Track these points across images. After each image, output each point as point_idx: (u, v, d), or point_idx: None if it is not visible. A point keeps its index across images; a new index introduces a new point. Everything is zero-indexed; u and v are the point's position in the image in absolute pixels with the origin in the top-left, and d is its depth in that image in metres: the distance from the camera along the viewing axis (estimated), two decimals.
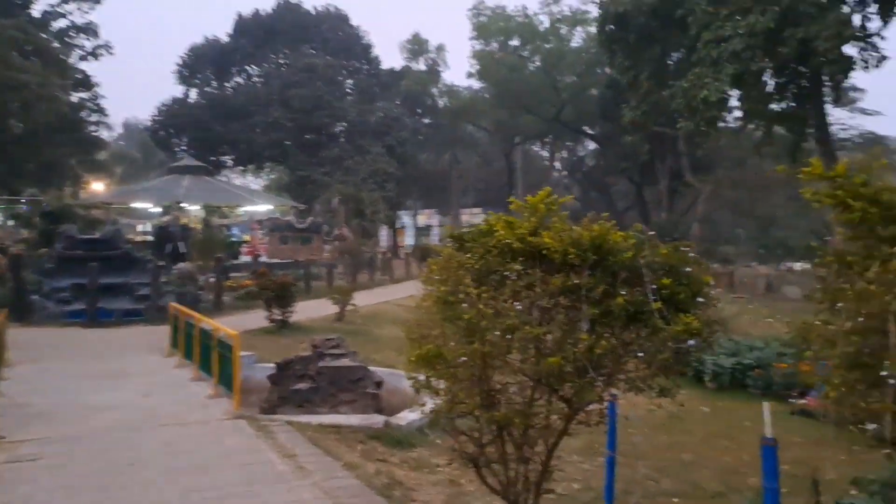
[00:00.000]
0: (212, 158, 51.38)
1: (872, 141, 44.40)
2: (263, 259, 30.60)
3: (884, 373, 2.80)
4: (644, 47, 29.74)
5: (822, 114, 27.81)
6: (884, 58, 27.97)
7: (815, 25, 22.63)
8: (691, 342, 3.53)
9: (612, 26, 30.29)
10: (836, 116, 37.52)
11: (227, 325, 10.48)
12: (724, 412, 11.17)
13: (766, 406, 3.40)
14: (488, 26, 50.23)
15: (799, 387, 12.00)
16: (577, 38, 50.63)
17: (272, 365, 10.13)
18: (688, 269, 3.78)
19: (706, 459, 8.85)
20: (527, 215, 4.24)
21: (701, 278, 3.82)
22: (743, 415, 11.09)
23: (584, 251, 3.74)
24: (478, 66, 51.32)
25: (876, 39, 27.72)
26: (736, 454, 8.92)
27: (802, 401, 11.17)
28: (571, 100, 50.73)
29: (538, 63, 51.06)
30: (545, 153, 67.67)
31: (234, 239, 34.68)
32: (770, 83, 27.50)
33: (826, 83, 27.24)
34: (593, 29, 48.70)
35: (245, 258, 31.75)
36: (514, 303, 3.83)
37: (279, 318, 16.13)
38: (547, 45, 49.95)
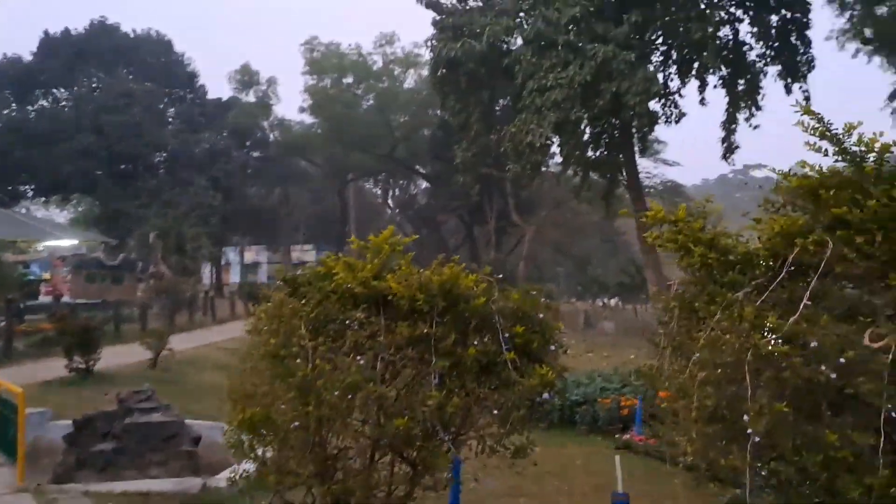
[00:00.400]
0: (9, 188, 46.21)
1: (672, 189, 49.16)
2: (66, 299, 27.63)
3: (748, 430, 2.67)
4: (474, 92, 30.73)
5: (632, 162, 30.18)
6: (683, 114, 31.12)
7: (626, 81, 24.52)
8: (546, 395, 3.29)
9: (444, 70, 31.00)
10: (643, 166, 40.94)
11: (16, 377, 9.03)
12: (555, 451, 11.31)
13: (618, 459, 3.20)
14: (322, 62, 49.85)
15: (621, 422, 12.51)
16: (410, 80, 51.66)
17: (70, 423, 8.83)
18: (540, 314, 3.56)
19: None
20: (369, 257, 3.85)
21: (552, 324, 3.62)
22: (574, 452, 11.30)
23: (433, 297, 3.41)
24: (310, 101, 50.65)
25: (676, 97, 30.91)
26: (570, 498, 8.96)
27: (626, 436, 11.59)
28: (404, 139, 51.46)
29: (372, 101, 51.35)
30: (378, 191, 68.02)
31: (31, 277, 31.05)
32: (587, 132, 29.46)
33: (635, 134, 29.67)
34: (425, 72, 50.09)
35: (45, 298, 28.54)
36: (357, 356, 3.39)
37: (81, 366, 14.35)
38: (381, 85, 50.44)
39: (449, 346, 3.30)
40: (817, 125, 3.24)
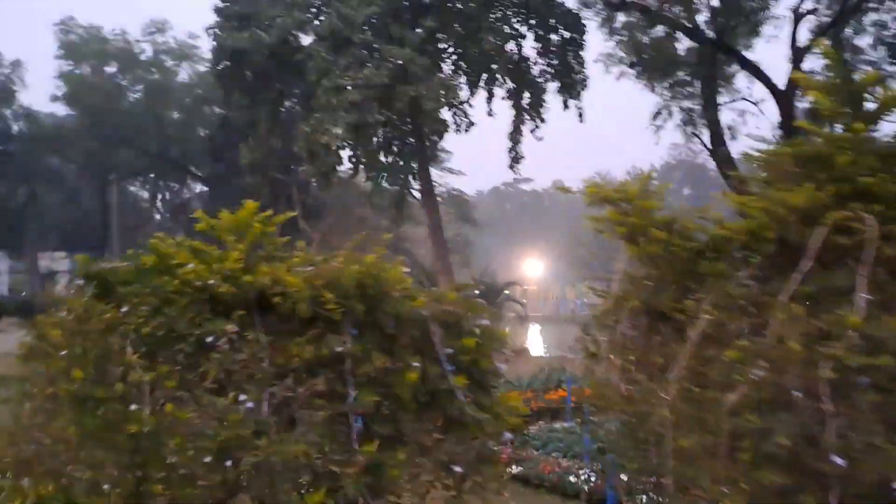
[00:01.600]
0: None
1: (456, 198, 50.55)
2: None
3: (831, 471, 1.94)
4: (262, 87, 28.84)
5: (426, 168, 30.19)
6: (472, 123, 31.81)
7: (424, 86, 24.35)
8: (509, 436, 2.35)
9: (227, 62, 28.73)
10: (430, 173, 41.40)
11: None
12: None
13: None
14: (80, 47, 44.13)
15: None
16: (185, 73, 47.68)
17: None
18: (484, 320, 2.61)
19: None
20: (231, 241, 2.63)
21: (498, 333, 2.69)
22: None
23: (348, 298, 2.31)
24: (65, 90, 44.57)
25: (466, 107, 31.51)
26: None
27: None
28: (178, 137, 47.27)
29: (139, 94, 46.58)
30: (146, 193, 61.99)
31: None
32: (380, 136, 28.95)
33: (429, 141, 29.76)
34: (202, 67, 46.50)
35: None
36: (235, 394, 2.18)
37: None
38: (150, 76, 45.90)
39: (373, 372, 2.22)
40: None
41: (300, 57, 26.44)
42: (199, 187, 57.04)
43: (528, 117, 29.79)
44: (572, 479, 8.67)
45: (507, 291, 39.40)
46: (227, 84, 29.89)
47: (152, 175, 55.52)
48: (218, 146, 43.08)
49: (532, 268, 75.73)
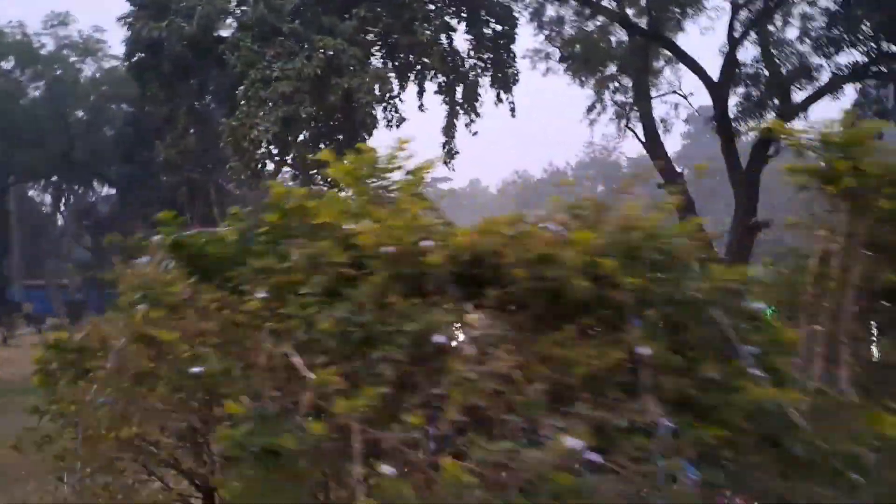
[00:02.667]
0: None
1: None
2: None
3: None
4: (181, 80, 27.11)
5: None
6: (403, 118, 30.98)
7: (357, 78, 23.43)
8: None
9: (142, 54, 26.87)
10: None
11: None
12: None
13: None
14: None
15: None
16: (90, 70, 44.79)
17: None
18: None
19: None
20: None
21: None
22: None
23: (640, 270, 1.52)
24: None
25: (397, 101, 30.65)
26: None
27: None
28: (84, 137, 44.31)
29: (41, 92, 43.39)
30: (49, 197, 58.03)
31: None
32: (309, 132, 27.72)
33: (361, 135, 28.73)
34: (107, 64, 43.90)
35: None
36: None
37: None
38: (53, 73, 42.79)
39: (685, 386, 1.42)
40: None
41: (223, 48, 24.93)
42: (106, 190, 53.94)
43: (462, 111, 29.25)
44: None
45: None
46: (142, 78, 27.96)
47: (55, 178, 51.92)
48: (128, 146, 40.57)
49: None
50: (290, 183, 35.14)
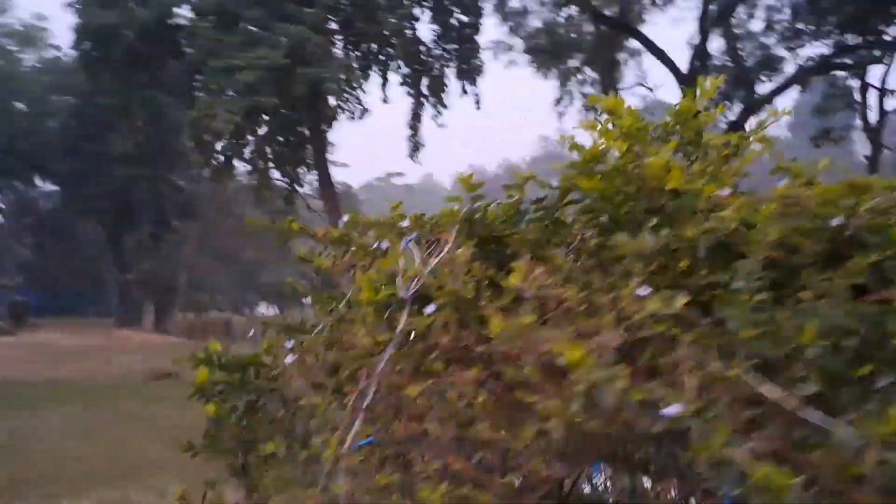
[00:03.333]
0: None
1: (345, 191, 48.70)
2: None
3: None
4: (134, 69, 25.81)
5: (323, 159, 28.37)
6: (366, 110, 30.27)
7: (324, 68, 22.67)
8: None
9: (92, 43, 25.47)
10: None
11: None
12: None
13: None
14: None
15: None
16: (33, 59, 42.63)
17: None
18: None
19: None
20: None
21: None
22: None
23: None
24: None
25: (359, 93, 29.91)
26: None
27: None
28: (25, 131, 42.08)
29: None
30: None
31: None
32: (272, 124, 26.78)
33: (325, 128, 27.94)
34: (48, 54, 41.89)
35: None
36: None
37: None
38: None
39: None
40: None
41: (181, 35, 23.83)
42: (48, 186, 51.56)
43: (428, 103, 28.69)
44: None
45: None
46: (92, 67, 26.54)
47: None
48: (72, 139, 38.69)
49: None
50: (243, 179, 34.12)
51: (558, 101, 28.67)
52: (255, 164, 29.34)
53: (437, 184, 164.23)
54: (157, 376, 19.58)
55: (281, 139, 27.43)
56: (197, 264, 46.51)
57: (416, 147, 29.74)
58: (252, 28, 22.78)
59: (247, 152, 28.53)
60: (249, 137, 27.46)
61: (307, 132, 28.87)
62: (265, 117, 23.25)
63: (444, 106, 28.34)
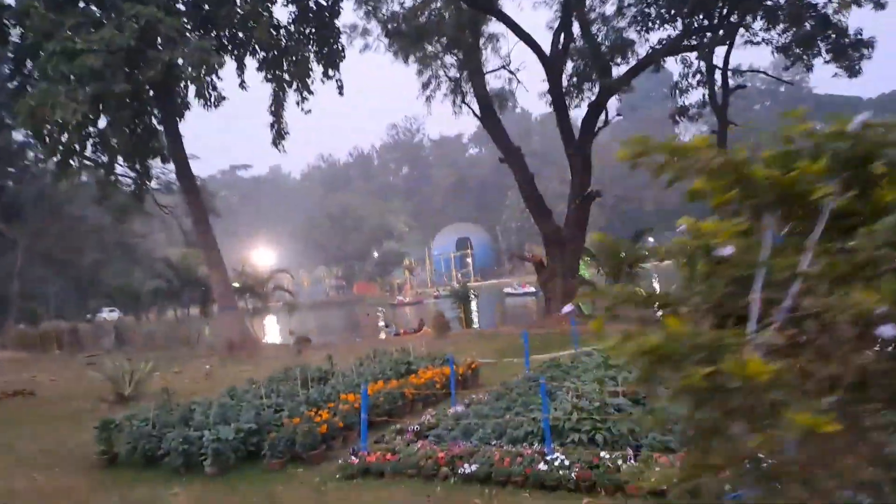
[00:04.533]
0: None
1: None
2: None
3: None
4: None
5: (181, 150, 26.49)
6: (223, 97, 28.54)
7: (179, 51, 21.08)
8: None
9: None
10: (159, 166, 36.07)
11: None
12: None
13: None
14: None
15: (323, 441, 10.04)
16: None
17: None
18: None
19: None
20: None
21: None
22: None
23: None
24: None
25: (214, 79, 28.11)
26: None
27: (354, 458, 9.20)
28: None
29: None
30: None
31: None
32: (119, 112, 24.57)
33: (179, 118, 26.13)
34: None
35: None
36: None
37: None
38: None
39: None
40: None
41: (10, 15, 21.18)
42: None
43: (291, 89, 27.57)
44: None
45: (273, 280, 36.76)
46: None
47: None
48: None
49: (263, 256, 72.70)
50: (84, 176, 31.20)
51: (426, 86, 28.56)
52: (99, 158, 26.93)
53: (284, 175, 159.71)
54: (4, 395, 17.44)
55: (130, 129, 25.29)
56: (29, 271, 42.08)
57: (280, 134, 28.56)
58: (93, 8, 20.67)
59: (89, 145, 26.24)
60: (91, 129, 25.22)
61: (159, 122, 26.91)
62: (114, 105, 21.17)
63: (310, 92, 27.33)
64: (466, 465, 7.94)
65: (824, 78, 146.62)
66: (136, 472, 10.11)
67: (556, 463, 7.42)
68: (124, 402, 15.43)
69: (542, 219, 26.25)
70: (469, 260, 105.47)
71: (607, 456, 7.31)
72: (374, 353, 17.27)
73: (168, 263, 35.40)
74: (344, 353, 17.98)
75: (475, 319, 32.21)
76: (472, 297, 32.00)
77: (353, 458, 9.15)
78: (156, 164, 32.84)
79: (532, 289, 75.92)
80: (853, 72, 22.67)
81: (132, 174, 29.27)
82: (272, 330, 43.58)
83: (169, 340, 34.10)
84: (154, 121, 27.33)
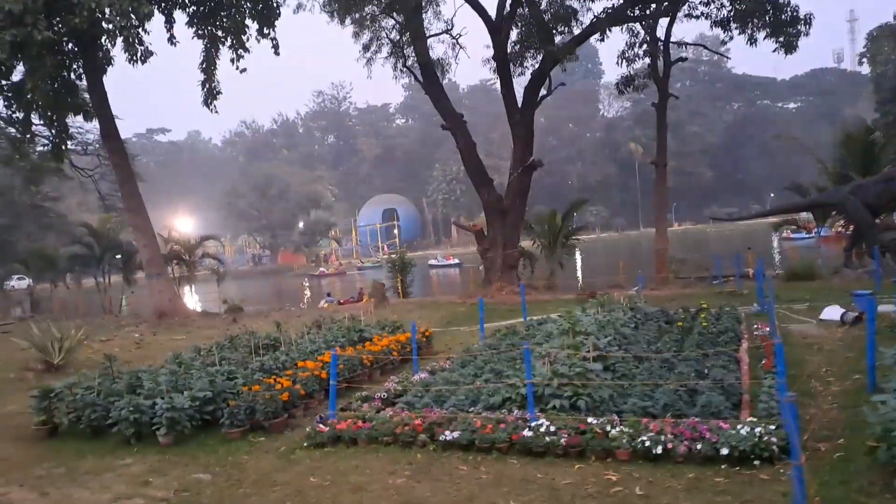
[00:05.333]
0: None
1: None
2: None
3: None
4: None
5: (106, 106, 24.89)
6: (150, 52, 26.89)
7: None
8: None
9: None
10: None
11: None
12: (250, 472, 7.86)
13: None
14: None
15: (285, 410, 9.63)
16: None
17: None
18: None
19: None
20: None
21: None
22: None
23: None
24: None
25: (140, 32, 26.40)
26: None
27: (319, 426, 8.85)
28: None
29: None
30: None
31: None
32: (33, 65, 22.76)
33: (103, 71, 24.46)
34: None
35: None
36: None
37: None
38: None
39: None
40: None
41: None
42: None
43: (225, 47, 26.17)
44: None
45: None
46: None
47: None
48: None
49: (184, 224, 70.08)
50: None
51: (366, 49, 27.73)
52: (13, 114, 25.05)
53: (205, 140, 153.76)
54: None
55: (49, 82, 23.46)
56: None
57: (211, 93, 27.15)
58: None
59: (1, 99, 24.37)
60: (4, 81, 23.38)
61: (78, 77, 25.16)
62: (35, 54, 19.53)
63: (246, 50, 25.98)
64: (448, 433, 7.75)
65: (741, 58, 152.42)
66: (80, 442, 9.54)
67: (542, 429, 7.31)
68: (53, 371, 14.56)
69: (483, 188, 26.13)
70: (395, 231, 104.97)
71: (594, 421, 7.25)
72: (319, 322, 16.93)
73: (88, 228, 33.40)
74: (284, 321, 17.43)
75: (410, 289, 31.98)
76: (411, 266, 31.72)
77: (320, 425, 8.81)
78: (72, 123, 30.91)
79: (456, 261, 76.58)
80: (790, 48, 23.32)
81: (50, 132, 27.35)
82: (201, 299, 42.14)
83: (90, 308, 32.41)
84: (73, 76, 25.56)
